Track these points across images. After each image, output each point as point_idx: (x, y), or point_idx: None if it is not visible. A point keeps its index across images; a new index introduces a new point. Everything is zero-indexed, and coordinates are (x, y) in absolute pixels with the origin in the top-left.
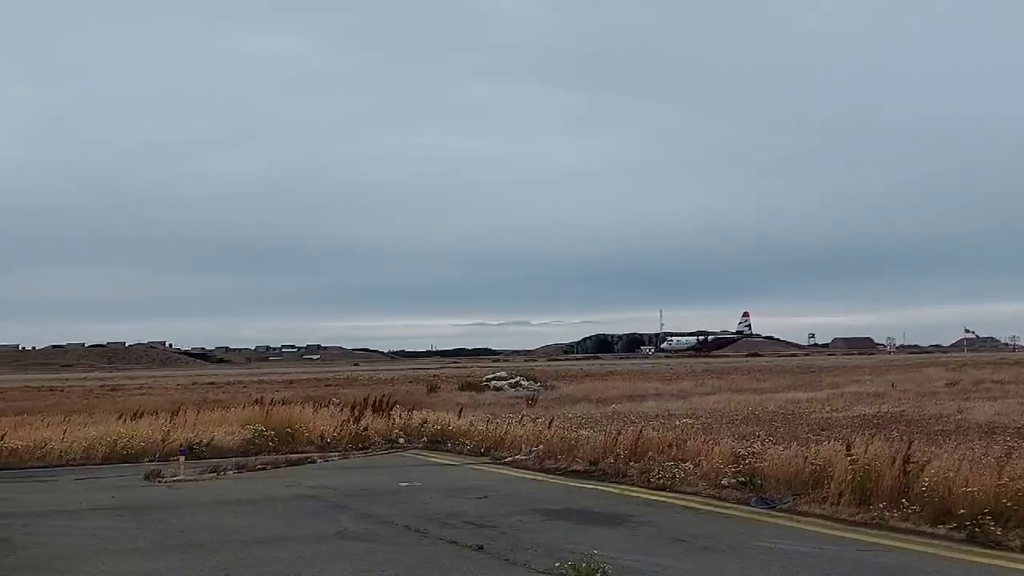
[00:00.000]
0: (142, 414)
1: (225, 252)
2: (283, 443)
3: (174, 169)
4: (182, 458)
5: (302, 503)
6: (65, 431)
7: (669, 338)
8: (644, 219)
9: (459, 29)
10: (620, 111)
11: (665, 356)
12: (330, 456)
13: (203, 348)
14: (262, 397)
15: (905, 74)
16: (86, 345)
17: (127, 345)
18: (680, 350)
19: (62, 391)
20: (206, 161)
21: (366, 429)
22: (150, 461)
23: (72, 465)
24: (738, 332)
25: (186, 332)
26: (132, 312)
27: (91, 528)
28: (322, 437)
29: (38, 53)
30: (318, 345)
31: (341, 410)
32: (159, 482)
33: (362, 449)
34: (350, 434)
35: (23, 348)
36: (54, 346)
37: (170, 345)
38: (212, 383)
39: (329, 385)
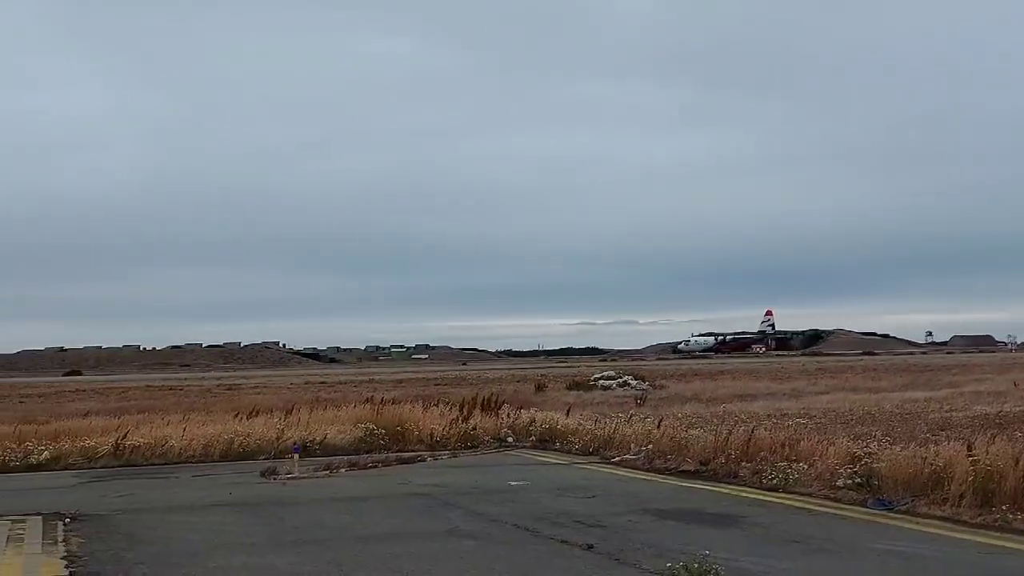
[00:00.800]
0: (257, 413)
1: (337, 254)
2: (393, 441)
3: (288, 172)
4: (296, 456)
5: (413, 501)
6: (184, 429)
7: (687, 339)
8: (754, 216)
9: (569, 27)
10: (730, 107)
11: (686, 356)
12: (439, 455)
13: (315, 348)
14: (372, 396)
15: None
16: (204, 345)
17: (242, 345)
18: (697, 351)
19: (181, 390)
20: (319, 164)
21: (475, 428)
22: (265, 459)
23: (191, 462)
24: (760, 332)
25: (299, 332)
26: (247, 313)
27: (210, 523)
28: (431, 436)
29: (160, 62)
30: (426, 345)
31: (450, 409)
32: (274, 479)
33: (471, 448)
34: (459, 433)
35: (144, 349)
36: (173, 347)
37: (283, 345)
38: (323, 382)
39: (438, 384)
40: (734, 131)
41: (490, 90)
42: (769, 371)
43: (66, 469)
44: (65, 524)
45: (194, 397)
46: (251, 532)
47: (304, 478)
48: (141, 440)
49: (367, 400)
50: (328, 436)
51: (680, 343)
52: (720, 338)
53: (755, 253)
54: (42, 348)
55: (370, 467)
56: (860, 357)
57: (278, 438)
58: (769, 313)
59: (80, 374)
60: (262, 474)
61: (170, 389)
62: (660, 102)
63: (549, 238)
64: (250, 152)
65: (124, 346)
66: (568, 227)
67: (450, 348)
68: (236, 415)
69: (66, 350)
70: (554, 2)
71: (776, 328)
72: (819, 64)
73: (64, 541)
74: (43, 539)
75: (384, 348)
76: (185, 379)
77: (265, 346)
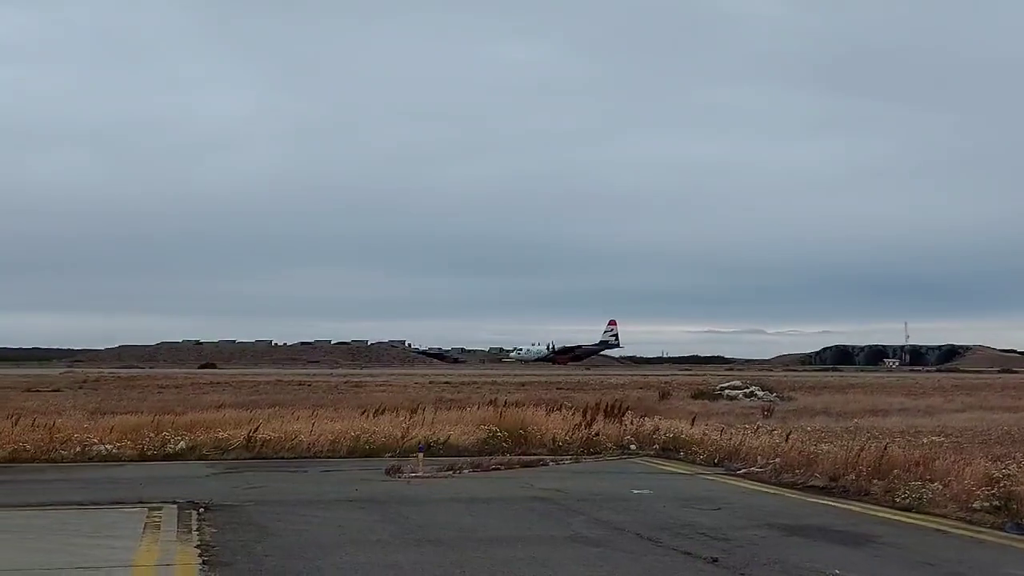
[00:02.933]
0: (383, 411)
1: (465, 255)
2: (516, 444)
3: (421, 175)
4: (420, 455)
5: (535, 505)
6: (313, 424)
7: (519, 347)
8: (889, 226)
9: (703, 33)
10: (865, 114)
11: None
12: (562, 460)
13: (440, 348)
14: (496, 398)
15: None
16: (332, 342)
17: (369, 343)
18: (530, 360)
19: (310, 386)
20: (451, 167)
21: (597, 434)
22: (391, 456)
23: (319, 457)
24: (602, 342)
25: (424, 332)
26: (375, 312)
27: (337, 518)
28: (554, 440)
29: (302, 66)
30: None
31: (573, 414)
32: (399, 477)
33: (593, 454)
34: (582, 438)
35: (275, 344)
36: (303, 343)
37: (409, 344)
38: (448, 383)
39: (560, 388)
40: (869, 138)
41: (621, 95)
42: (903, 386)
43: (200, 459)
44: (199, 513)
45: (322, 393)
46: (376, 529)
47: (428, 477)
48: (272, 434)
49: (490, 402)
50: (452, 437)
51: (512, 351)
52: (552, 347)
53: (889, 264)
54: (179, 341)
55: (493, 469)
56: (998, 375)
57: (403, 437)
58: (612, 323)
59: (214, 367)
60: (387, 472)
61: (299, 384)
62: (792, 108)
63: (677, 244)
64: (386, 155)
65: (256, 341)
66: (697, 234)
67: None
68: (363, 412)
69: (202, 343)
70: (684, 7)
71: (619, 338)
72: (959, 70)
73: (198, 530)
74: (178, 527)
75: (508, 350)
76: (314, 375)
77: (391, 345)
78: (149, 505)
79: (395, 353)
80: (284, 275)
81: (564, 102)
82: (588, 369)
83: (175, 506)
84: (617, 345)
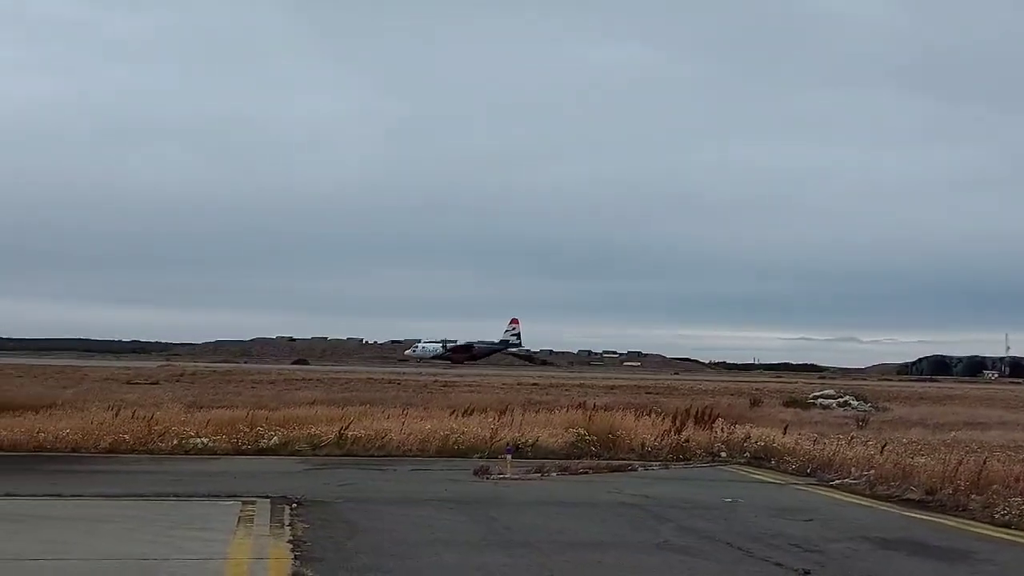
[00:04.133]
0: (472, 411)
1: (554, 257)
2: (604, 448)
3: (512, 177)
4: (509, 457)
5: (623, 510)
6: (403, 423)
7: (416, 344)
8: (990, 236)
9: (803, 36)
10: (973, 122)
11: (416, 364)
12: (651, 465)
13: (528, 350)
14: (584, 401)
15: None
16: (422, 341)
17: (458, 343)
18: (427, 358)
19: (400, 384)
20: (542, 169)
21: (687, 440)
22: (479, 457)
23: (408, 456)
24: (503, 341)
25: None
26: (464, 311)
27: (426, 518)
28: (643, 445)
29: (399, 67)
30: (638, 352)
31: (662, 419)
32: (487, 478)
33: (683, 460)
34: (671, 444)
35: (367, 342)
36: (393, 341)
37: None
38: (536, 384)
39: (649, 393)
40: (971, 145)
41: (715, 99)
42: (1003, 399)
43: (293, 455)
44: (291, 509)
45: (411, 392)
46: (464, 530)
47: (516, 479)
48: (362, 431)
49: (579, 405)
50: (540, 439)
51: (408, 349)
52: (445, 345)
53: (990, 274)
54: (273, 337)
55: (581, 473)
56: None
57: (491, 438)
58: (514, 322)
59: (307, 363)
60: (475, 473)
61: (389, 382)
62: (895, 114)
63: (772, 250)
64: (479, 156)
65: (348, 338)
66: (792, 240)
67: (662, 356)
68: (452, 412)
69: (295, 340)
70: (783, 6)
71: (521, 338)
72: None
73: (290, 525)
74: (271, 522)
75: (596, 353)
76: (403, 373)
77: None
78: (243, 499)
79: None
80: (376, 274)
81: (658, 105)
82: (677, 373)
83: (268, 501)
84: (519, 344)
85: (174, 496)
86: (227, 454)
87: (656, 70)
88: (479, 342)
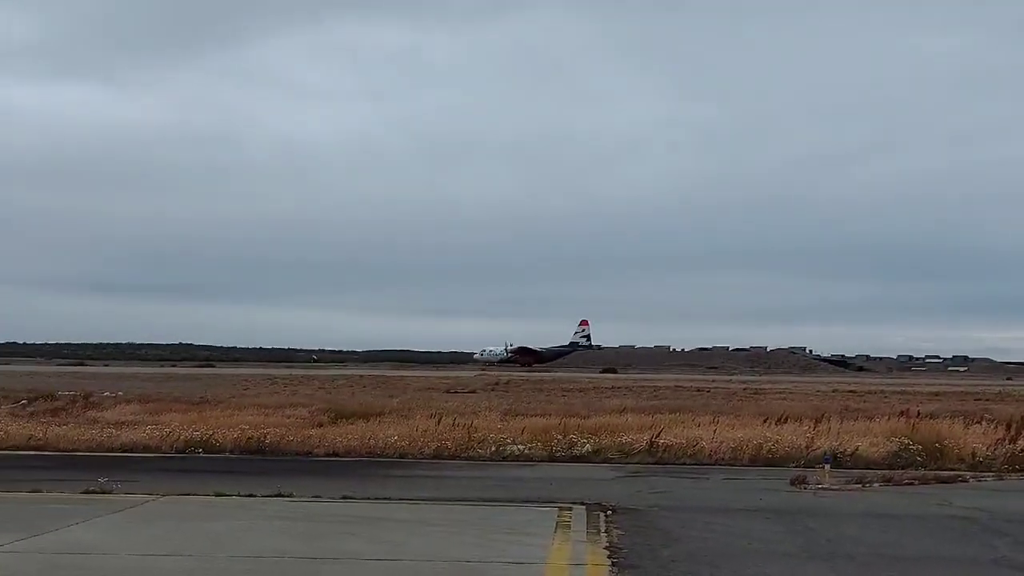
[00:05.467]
0: (785, 419)
1: (870, 258)
2: (930, 459)
3: (826, 176)
4: (827, 466)
5: (953, 524)
6: (714, 431)
7: (483, 349)
8: None
9: None
10: None
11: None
12: (983, 476)
13: (842, 355)
14: (907, 409)
15: None
16: (729, 348)
17: (768, 350)
18: (495, 362)
19: (708, 392)
20: (859, 169)
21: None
22: (795, 466)
23: (720, 465)
24: (571, 344)
25: (826, 339)
26: (774, 317)
27: (741, 527)
28: (973, 455)
29: (712, 72)
30: (964, 356)
31: (995, 428)
32: (804, 488)
33: (1020, 471)
34: (1006, 454)
35: (673, 350)
36: (700, 348)
37: (810, 351)
38: (852, 391)
39: (978, 399)
40: None
41: None
42: None
43: (605, 463)
44: (606, 516)
45: (721, 400)
46: (782, 541)
47: (835, 490)
48: (673, 439)
49: (901, 413)
50: (859, 448)
51: (476, 353)
52: (508, 348)
53: None
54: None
55: (905, 484)
56: None
57: (807, 447)
58: (584, 323)
59: (615, 372)
60: (791, 482)
61: (697, 390)
62: None
63: None
64: (797, 158)
65: (655, 346)
66: None
67: (991, 360)
68: (764, 420)
69: (602, 348)
70: None
71: (591, 339)
72: None
73: (606, 532)
74: (587, 528)
75: (918, 358)
76: (712, 381)
77: (791, 351)
78: (559, 505)
79: (795, 360)
80: (682, 280)
81: (982, 97)
82: (1009, 379)
83: (583, 507)
84: (589, 346)
85: (494, 501)
86: (542, 461)
87: (986, 57)
88: (529, 350)
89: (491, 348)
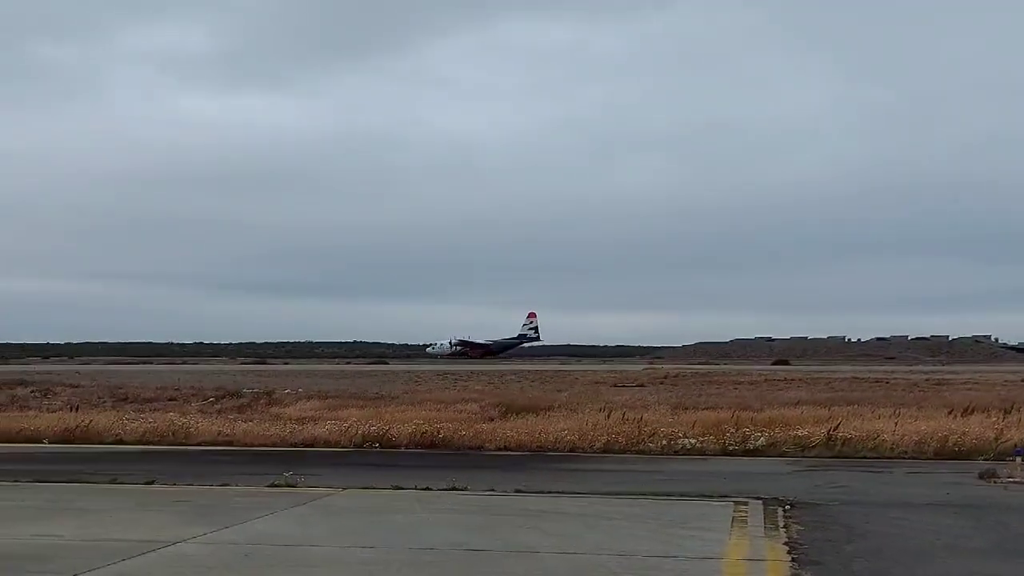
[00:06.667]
0: (972, 410)
1: None
2: None
3: (1010, 159)
4: (1018, 459)
5: None
6: (896, 424)
7: (432, 343)
8: None
9: None
10: None
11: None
12: None
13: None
14: None
15: None
16: (909, 338)
17: (950, 339)
18: (444, 355)
19: (887, 383)
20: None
21: None
22: (983, 459)
23: (903, 458)
24: (520, 336)
25: (1013, 326)
26: (957, 305)
27: (927, 523)
28: None
29: (886, 53)
30: None
31: None
32: (994, 482)
33: None
34: None
35: (848, 339)
36: (878, 338)
37: (996, 339)
38: None
39: None
40: None
41: None
42: None
43: (780, 456)
44: (784, 511)
45: (901, 391)
46: (972, 536)
47: None
48: (852, 432)
49: None
50: None
51: (427, 346)
52: (452, 342)
53: None
54: (751, 337)
55: None
56: None
57: (996, 439)
58: (532, 315)
59: (787, 363)
60: (980, 476)
61: (875, 381)
62: None
63: None
64: (966, 139)
65: (828, 337)
66: None
67: None
68: (949, 412)
69: (773, 340)
70: None
71: (538, 331)
72: None
73: (784, 527)
74: (765, 523)
75: None
76: (891, 372)
77: (975, 340)
78: (734, 500)
79: (979, 349)
80: (856, 269)
81: None
82: None
83: (760, 502)
84: (537, 338)
85: (667, 495)
86: (715, 455)
87: None
88: (477, 343)
89: (441, 342)
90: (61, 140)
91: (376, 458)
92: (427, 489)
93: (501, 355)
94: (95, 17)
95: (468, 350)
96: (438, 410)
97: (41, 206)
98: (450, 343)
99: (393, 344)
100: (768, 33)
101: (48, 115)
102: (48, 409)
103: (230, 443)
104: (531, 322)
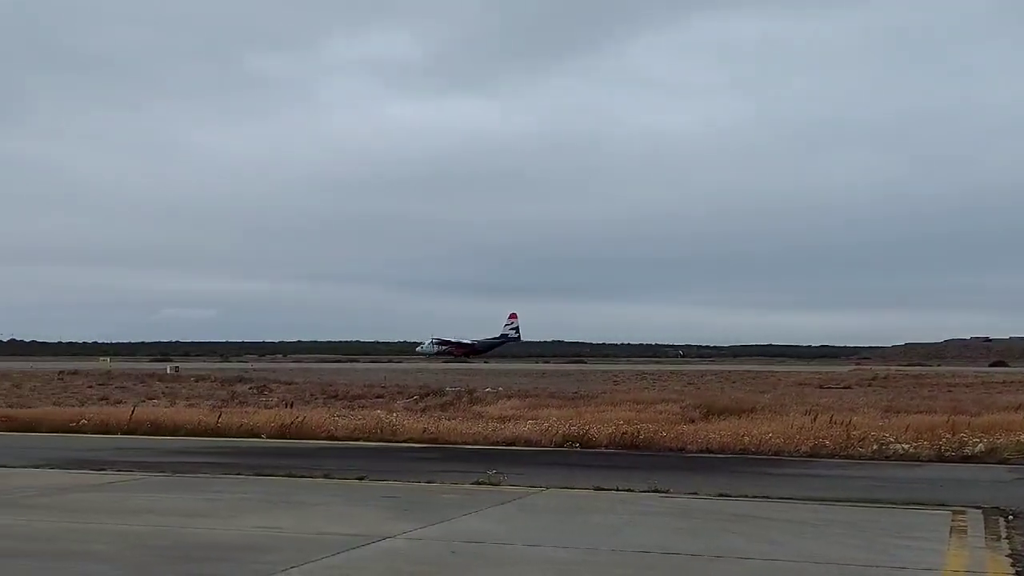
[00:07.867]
0: None
1: None
2: None
3: None
4: None
5: None
6: None
7: (421, 343)
8: None
9: None
10: None
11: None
12: None
13: None
14: None
15: None
16: None
17: None
18: (432, 354)
19: None
20: None
21: None
22: None
23: None
24: (502, 336)
25: None
26: None
27: None
28: None
29: None
30: None
31: None
32: None
33: None
34: None
35: None
36: None
37: None
38: None
39: None
40: None
41: None
42: None
43: (1001, 463)
44: (1007, 521)
45: None
46: None
47: None
48: None
49: None
50: None
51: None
52: (433, 341)
53: None
54: (967, 338)
55: None
56: None
57: None
58: (512, 316)
59: (1005, 365)
60: None
61: None
62: None
63: None
64: None
65: (1015, 337)
66: None
67: None
68: None
69: (991, 340)
70: None
71: (519, 332)
72: None
73: (1007, 538)
74: (985, 533)
75: None
76: None
77: None
78: (952, 508)
79: None
80: None
81: None
82: None
83: (979, 511)
84: (518, 338)
85: (878, 502)
86: (930, 461)
87: None
88: (459, 342)
89: (427, 342)
90: (280, 147)
91: (576, 458)
92: (629, 490)
93: (486, 354)
94: (307, 29)
95: (453, 349)
96: (637, 411)
97: (266, 210)
98: (431, 343)
99: (590, 343)
100: (988, 24)
101: (267, 123)
102: (265, 405)
103: (434, 440)
104: (512, 323)
